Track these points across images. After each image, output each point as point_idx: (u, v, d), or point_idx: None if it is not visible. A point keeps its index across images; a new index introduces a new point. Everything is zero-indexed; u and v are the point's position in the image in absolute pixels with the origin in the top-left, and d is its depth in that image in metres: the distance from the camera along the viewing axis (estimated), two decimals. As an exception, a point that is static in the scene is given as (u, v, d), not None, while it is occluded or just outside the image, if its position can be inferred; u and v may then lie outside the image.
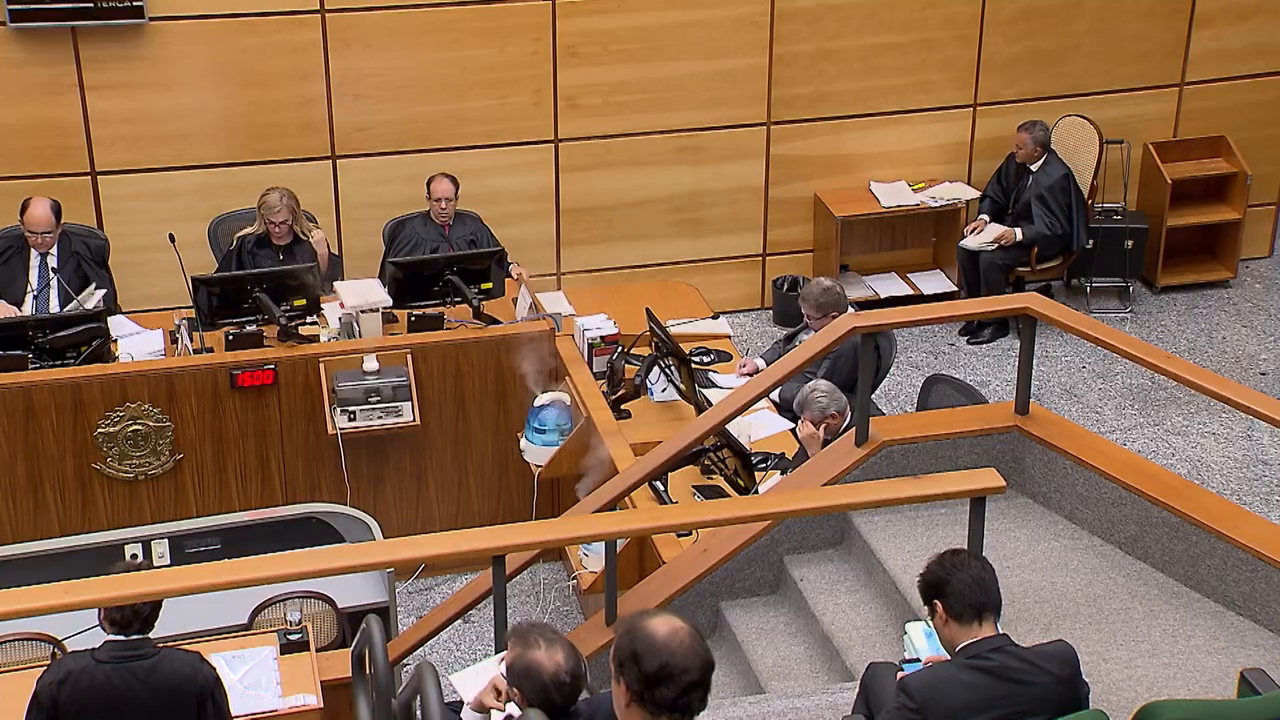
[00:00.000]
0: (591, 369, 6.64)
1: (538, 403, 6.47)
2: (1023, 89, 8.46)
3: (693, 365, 6.51)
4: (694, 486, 5.89)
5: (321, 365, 6.41)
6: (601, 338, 6.74)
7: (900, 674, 4.02)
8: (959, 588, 3.85)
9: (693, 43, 7.98)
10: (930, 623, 4.01)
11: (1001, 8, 8.28)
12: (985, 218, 8.29)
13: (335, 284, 6.87)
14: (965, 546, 4.55)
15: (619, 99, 7.99)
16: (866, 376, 5.33)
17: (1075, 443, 5.35)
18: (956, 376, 6.90)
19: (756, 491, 5.62)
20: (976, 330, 8.29)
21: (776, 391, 6.13)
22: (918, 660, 4.25)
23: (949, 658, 3.92)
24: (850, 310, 6.18)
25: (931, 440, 5.34)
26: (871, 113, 8.34)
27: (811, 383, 5.87)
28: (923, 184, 8.47)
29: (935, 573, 3.91)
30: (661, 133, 8.11)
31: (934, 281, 8.56)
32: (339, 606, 5.45)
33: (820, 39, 8.11)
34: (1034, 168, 8.20)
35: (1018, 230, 8.14)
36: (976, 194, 8.41)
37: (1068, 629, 4.77)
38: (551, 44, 7.82)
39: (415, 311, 6.68)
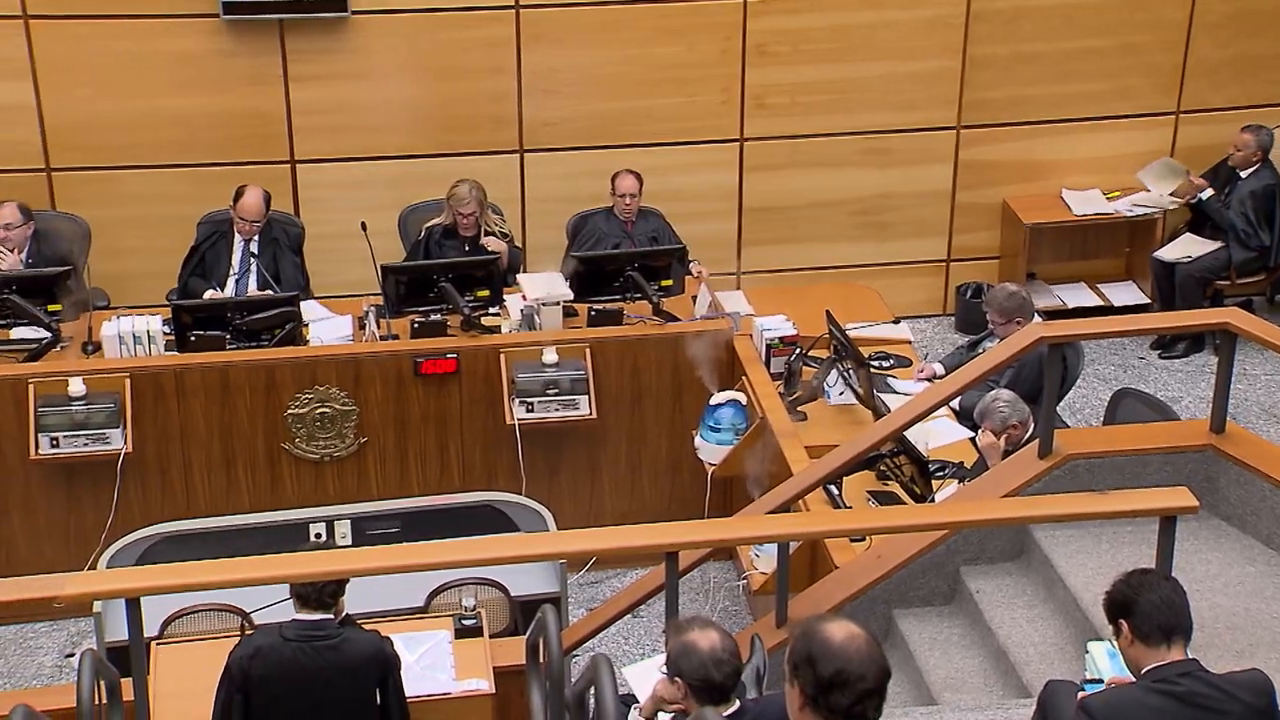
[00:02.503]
0: (769, 369, 6.61)
1: (713, 401, 6.46)
2: (1232, 95, 8.14)
3: (871, 369, 6.43)
4: (869, 492, 5.82)
5: (502, 356, 6.51)
6: (780, 339, 6.70)
7: (1081, 694, 3.90)
8: (1147, 608, 3.72)
9: (884, 43, 7.89)
10: (1114, 643, 3.89)
11: (1211, 10, 7.99)
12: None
13: (518, 276, 6.96)
14: (1153, 566, 4.40)
15: (807, 99, 7.94)
16: (1052, 388, 5.20)
17: (1274, 464, 5.13)
18: (1146, 391, 6.68)
19: (933, 500, 5.53)
20: (1170, 345, 8.01)
21: (957, 399, 6.02)
22: (1100, 681, 4.13)
23: (1133, 680, 3.79)
24: (1037, 319, 6.03)
25: (1119, 456, 5.18)
26: (1067, 118, 8.13)
27: (994, 391, 5.76)
28: (1117, 193, 8.22)
29: (1123, 592, 3.79)
30: (849, 134, 8.04)
31: (1125, 293, 8.30)
32: (511, 594, 5.52)
33: (1016, 41, 7.94)
34: (1244, 174, 7.88)
35: (1208, 191, 7.86)
36: (1178, 203, 8.12)
37: (1263, 658, 4.57)
38: (741, 43, 7.80)
39: (595, 306, 6.73)
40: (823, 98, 7.94)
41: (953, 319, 8.39)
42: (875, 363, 6.67)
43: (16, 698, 4.03)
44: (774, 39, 7.80)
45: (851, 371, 6.38)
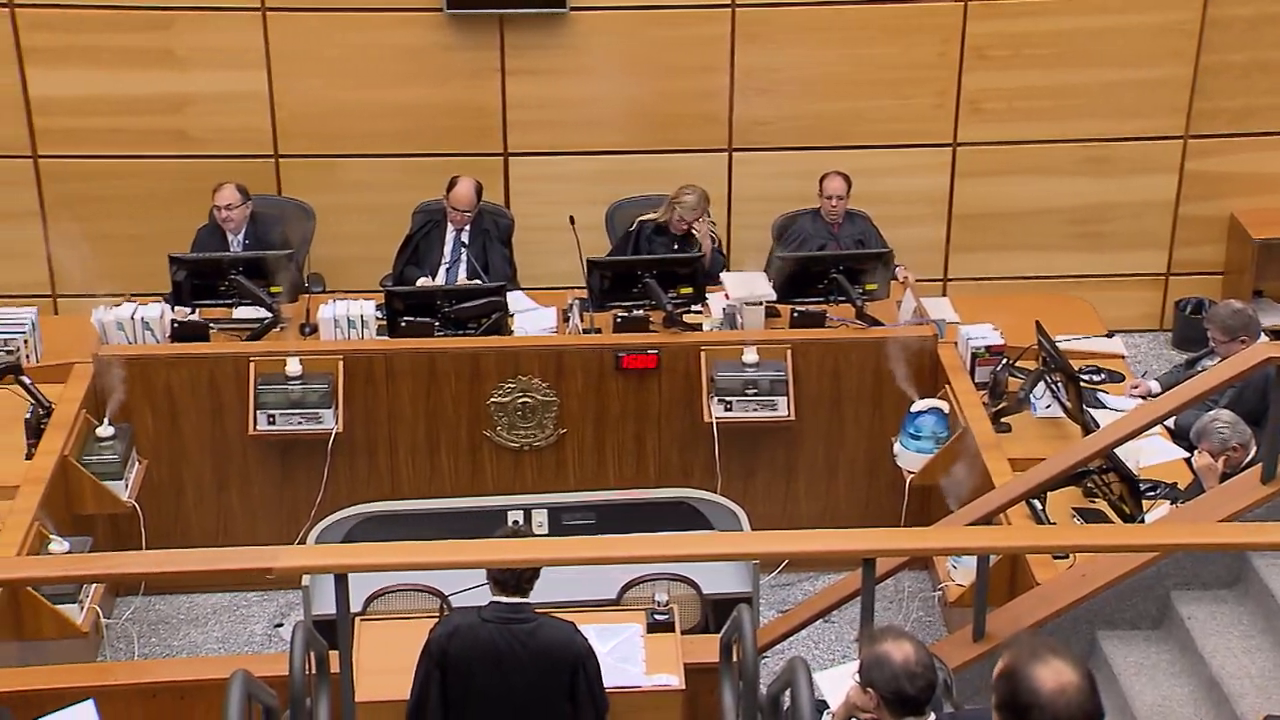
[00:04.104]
0: (973, 379, 6.47)
1: (915, 408, 6.35)
2: None
3: (1081, 383, 6.25)
4: (1074, 509, 5.65)
5: (702, 354, 6.51)
6: (986, 348, 6.56)
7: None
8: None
9: (1110, 49, 7.65)
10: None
11: None
12: None
13: (721, 275, 6.96)
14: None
15: (1025, 104, 7.76)
16: (1278, 410, 4.96)
17: None
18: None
19: (1143, 520, 5.34)
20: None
21: (1172, 418, 5.80)
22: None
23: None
24: (1263, 338, 5.77)
25: (1351, 484, 4.91)
26: (1304, 130, 7.79)
27: (1213, 411, 5.52)
28: (1358, 209, 7.84)
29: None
30: (1067, 141, 7.83)
31: (1359, 315, 7.90)
32: (703, 592, 5.53)
33: (1255, 49, 7.62)
34: None
35: None
36: None
37: None
38: (960, 45, 7.66)
39: (798, 307, 6.69)
40: (1042, 103, 7.75)
41: (1170, 335, 8.11)
42: (1086, 377, 6.48)
43: (233, 663, 4.20)
44: (994, 42, 7.64)
45: (1060, 384, 6.21)
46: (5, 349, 6.38)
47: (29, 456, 5.92)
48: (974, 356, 6.54)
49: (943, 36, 7.65)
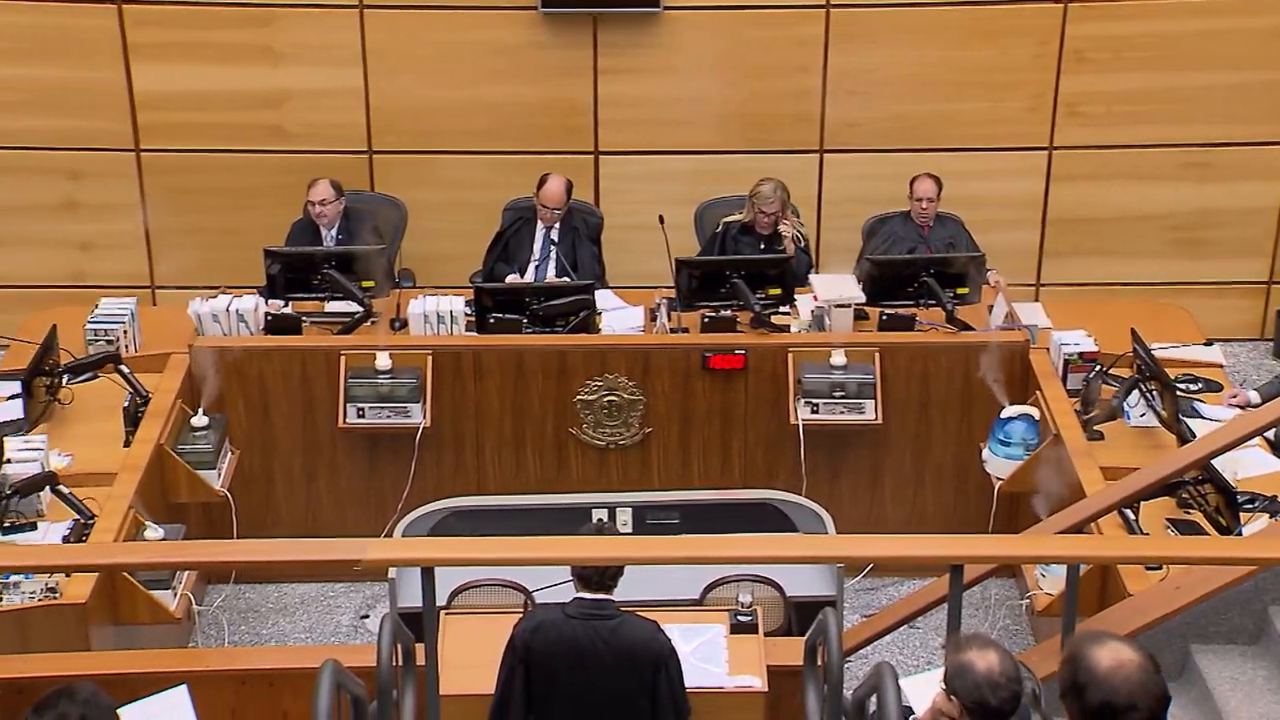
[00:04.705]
0: (1065, 385, 6.38)
1: (1004, 414, 6.28)
2: None
3: (1177, 392, 6.13)
4: (1168, 520, 5.55)
5: (790, 355, 6.48)
6: (1079, 354, 6.47)
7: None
8: None
9: (1214, 53, 7.51)
10: None
11: None
12: None
13: (810, 277, 6.93)
14: None
15: (1124, 108, 7.64)
16: (1383, 424, 4.84)
17: None
18: None
19: (1239, 533, 5.23)
20: None
21: (1273, 430, 5.68)
22: None
23: None
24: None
25: None
26: None
27: (1315, 424, 5.40)
28: None
29: None
30: (1168, 146, 7.70)
31: None
32: (787, 594, 5.50)
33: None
34: None
35: None
36: None
37: None
38: (1058, 48, 7.56)
39: (887, 310, 6.64)
40: (1142, 107, 7.63)
41: (1270, 344, 7.94)
42: (1182, 385, 6.36)
43: (321, 653, 4.25)
44: (1094, 45, 7.53)
45: (1155, 393, 6.10)
46: (106, 339, 6.53)
47: (127, 444, 6.04)
48: (1066, 363, 6.45)
49: (1040, 38, 7.55)
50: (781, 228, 7.07)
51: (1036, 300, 7.46)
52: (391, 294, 6.89)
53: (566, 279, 7.05)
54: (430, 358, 6.46)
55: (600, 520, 6.05)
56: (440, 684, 4.50)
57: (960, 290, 6.64)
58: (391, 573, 5.49)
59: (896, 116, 7.77)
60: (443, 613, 4.94)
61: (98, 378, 6.39)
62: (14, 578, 5.06)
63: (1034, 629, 5.96)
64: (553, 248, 7.23)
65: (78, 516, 5.53)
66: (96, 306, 6.74)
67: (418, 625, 4.49)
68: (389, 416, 6.42)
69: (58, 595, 5.11)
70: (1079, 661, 2.99)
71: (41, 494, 5.60)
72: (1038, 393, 6.33)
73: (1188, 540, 5.24)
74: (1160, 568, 5.21)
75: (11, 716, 4.19)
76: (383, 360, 6.43)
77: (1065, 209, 7.87)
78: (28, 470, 5.60)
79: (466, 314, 6.64)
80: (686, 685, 4.45)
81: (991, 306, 6.77)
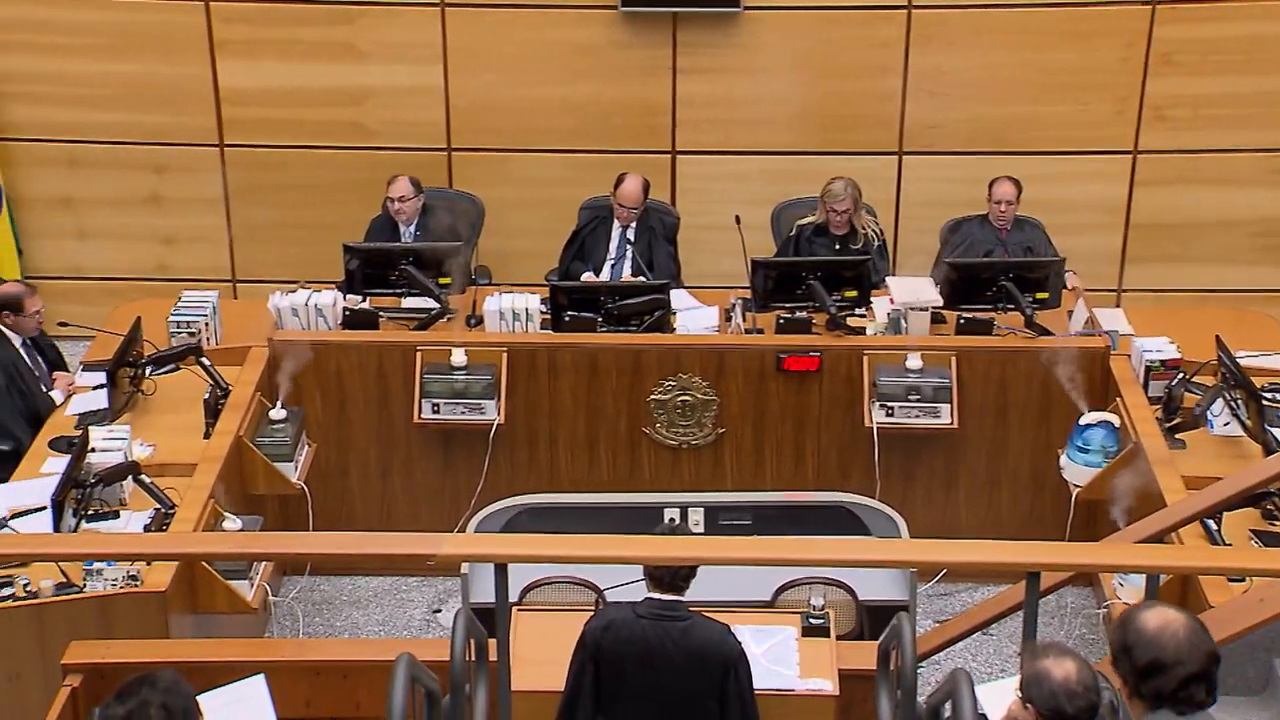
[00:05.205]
0: (1146, 393, 6.29)
1: (1083, 421, 6.20)
2: None
3: (1264, 401, 6.02)
4: (1252, 531, 5.46)
5: (865, 358, 6.44)
6: (1161, 361, 6.37)
7: None
8: None
9: (1304, 56, 7.38)
10: None
11: None
12: None
13: (887, 279, 6.88)
14: None
15: (1211, 112, 7.52)
16: None
17: None
18: None
19: (1325, 547, 5.13)
20: None
21: (1360, 442, 5.57)
22: None
23: None
24: None
25: None
26: None
27: (1405, 437, 5.29)
28: None
29: None
30: (1256, 151, 7.58)
31: None
32: (859, 598, 5.47)
33: None
34: None
35: None
36: None
37: None
38: (1145, 50, 7.46)
39: (965, 314, 6.58)
40: (1230, 111, 7.50)
41: (1360, 355, 7.76)
42: (1268, 395, 6.24)
43: (395, 646, 4.28)
44: (1182, 47, 7.42)
45: (1240, 402, 6.00)
46: (188, 331, 6.62)
47: (207, 435, 6.13)
48: (1148, 370, 6.36)
49: (1126, 41, 7.44)
50: (858, 224, 7.03)
51: (1118, 306, 7.37)
52: (468, 291, 6.93)
53: (642, 278, 7.05)
54: (505, 355, 6.49)
55: (672, 520, 6.05)
56: (511, 679, 4.52)
57: (1040, 295, 6.57)
58: (464, 568, 5.53)
59: (977, 119, 7.70)
60: (514, 609, 4.97)
61: (180, 369, 6.49)
62: (97, 565, 5.15)
63: (1111, 639, 5.88)
64: (629, 247, 7.24)
65: (159, 506, 5.62)
66: (179, 299, 6.84)
67: (489, 620, 4.51)
68: (463, 413, 6.46)
69: (139, 583, 5.19)
70: (1128, 624, 3.13)
71: (124, 483, 5.69)
72: (1118, 399, 6.25)
73: (1273, 552, 5.15)
74: (1243, 580, 5.12)
75: (94, 701, 4.26)
76: (458, 356, 6.47)
77: (1150, 214, 7.76)
78: (111, 459, 5.70)
79: (542, 312, 6.66)
80: (756, 687, 4.43)
81: (1071, 312, 6.69)
